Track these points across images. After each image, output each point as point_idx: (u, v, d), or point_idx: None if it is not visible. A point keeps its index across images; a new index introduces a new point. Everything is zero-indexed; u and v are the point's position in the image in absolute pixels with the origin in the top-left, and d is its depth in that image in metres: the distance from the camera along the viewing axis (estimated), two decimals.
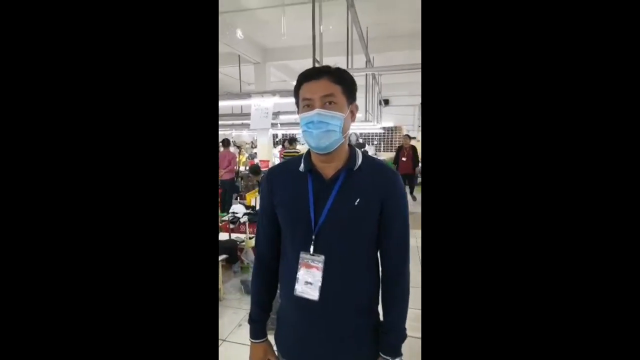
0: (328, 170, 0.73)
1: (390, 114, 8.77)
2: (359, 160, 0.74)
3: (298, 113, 0.74)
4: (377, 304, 0.78)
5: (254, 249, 0.87)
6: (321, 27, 2.19)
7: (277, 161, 6.14)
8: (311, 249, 0.72)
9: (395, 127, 10.47)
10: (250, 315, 0.84)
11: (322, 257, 0.71)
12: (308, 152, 0.77)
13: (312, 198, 0.72)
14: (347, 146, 0.75)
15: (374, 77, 5.15)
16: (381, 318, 0.78)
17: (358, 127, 6.83)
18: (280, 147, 6.71)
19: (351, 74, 0.73)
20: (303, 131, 0.71)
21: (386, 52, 5.45)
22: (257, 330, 0.83)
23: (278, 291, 0.84)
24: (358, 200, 0.70)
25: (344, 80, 0.70)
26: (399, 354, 0.75)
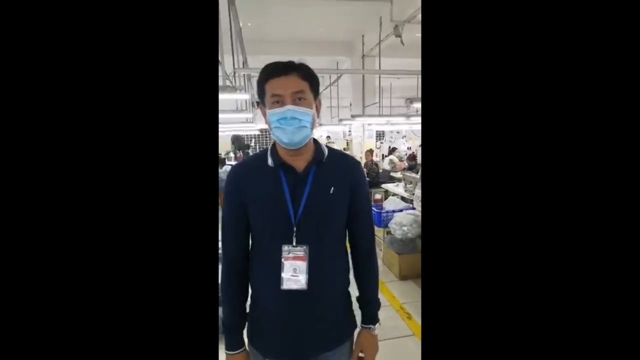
0: (299, 163, 0.76)
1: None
2: (326, 152, 0.79)
3: (264, 108, 0.73)
4: (349, 282, 0.86)
5: None
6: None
7: None
8: (294, 241, 0.73)
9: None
10: (224, 323, 0.78)
11: (305, 247, 0.73)
12: (273, 146, 0.77)
13: (289, 191, 0.74)
14: (312, 139, 0.79)
15: (249, 78, 5.15)
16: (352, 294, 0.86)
17: (237, 129, 6.66)
18: None
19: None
20: (274, 127, 0.71)
21: (260, 55, 5.53)
22: (235, 340, 0.77)
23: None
24: (332, 189, 0.76)
25: (311, 77, 0.73)
26: (378, 320, 0.85)
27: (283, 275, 0.73)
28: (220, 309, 0.77)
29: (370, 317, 0.85)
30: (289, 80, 0.70)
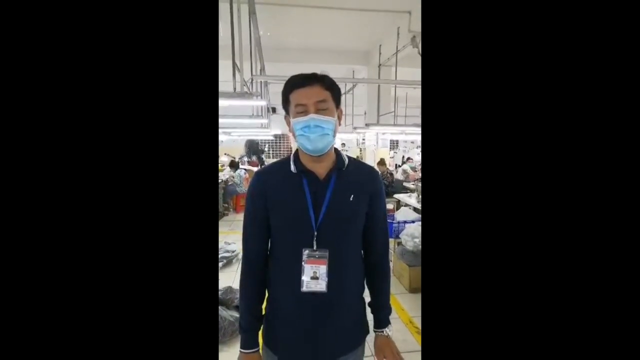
0: (320, 170, 0.78)
1: (278, 121, 9.03)
2: (346, 161, 0.81)
3: (289, 118, 0.76)
4: (364, 289, 0.86)
5: None
6: (241, 31, 2.14)
7: None
8: (314, 245, 0.74)
9: (283, 135, 10.83)
10: (241, 324, 0.80)
11: (326, 251, 0.74)
12: (296, 153, 0.79)
13: (310, 197, 0.75)
14: (333, 148, 0.81)
15: (265, 85, 5.24)
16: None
17: (253, 134, 6.76)
18: None
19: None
20: (299, 135, 0.74)
21: (277, 63, 5.63)
22: (250, 340, 0.79)
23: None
24: (352, 197, 0.77)
25: (332, 87, 0.76)
26: (389, 322, 0.86)
27: (303, 277, 0.74)
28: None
29: (383, 322, 0.86)
30: (313, 90, 0.73)
